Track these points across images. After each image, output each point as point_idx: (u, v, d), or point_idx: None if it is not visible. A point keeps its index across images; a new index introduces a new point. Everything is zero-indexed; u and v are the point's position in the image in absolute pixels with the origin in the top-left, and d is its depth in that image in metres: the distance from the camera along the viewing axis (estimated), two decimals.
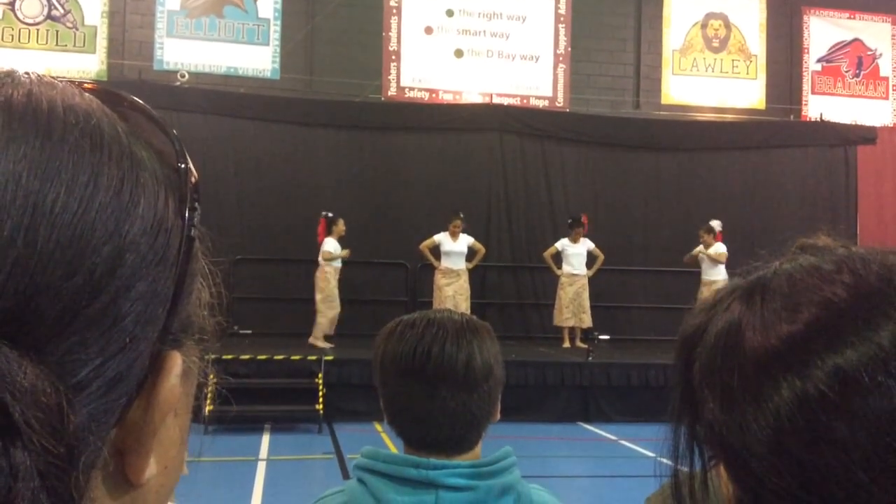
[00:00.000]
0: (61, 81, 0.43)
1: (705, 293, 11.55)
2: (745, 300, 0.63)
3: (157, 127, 0.45)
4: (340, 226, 11.15)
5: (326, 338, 11.09)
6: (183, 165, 0.44)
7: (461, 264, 11.61)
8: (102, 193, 0.38)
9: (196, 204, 0.43)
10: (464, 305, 11.33)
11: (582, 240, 11.98)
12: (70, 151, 0.38)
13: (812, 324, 0.58)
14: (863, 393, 0.55)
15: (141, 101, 0.45)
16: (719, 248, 11.81)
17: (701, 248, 11.90)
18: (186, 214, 0.42)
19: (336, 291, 11.14)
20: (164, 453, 0.43)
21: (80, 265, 0.37)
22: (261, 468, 7.79)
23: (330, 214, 11.18)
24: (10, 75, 0.41)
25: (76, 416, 0.36)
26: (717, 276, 11.54)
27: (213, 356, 0.48)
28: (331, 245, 11.11)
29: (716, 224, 11.93)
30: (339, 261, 11.17)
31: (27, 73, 0.42)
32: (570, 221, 12.15)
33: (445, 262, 11.55)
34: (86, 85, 0.44)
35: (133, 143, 0.42)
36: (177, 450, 0.44)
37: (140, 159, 0.41)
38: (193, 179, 0.44)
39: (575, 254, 11.95)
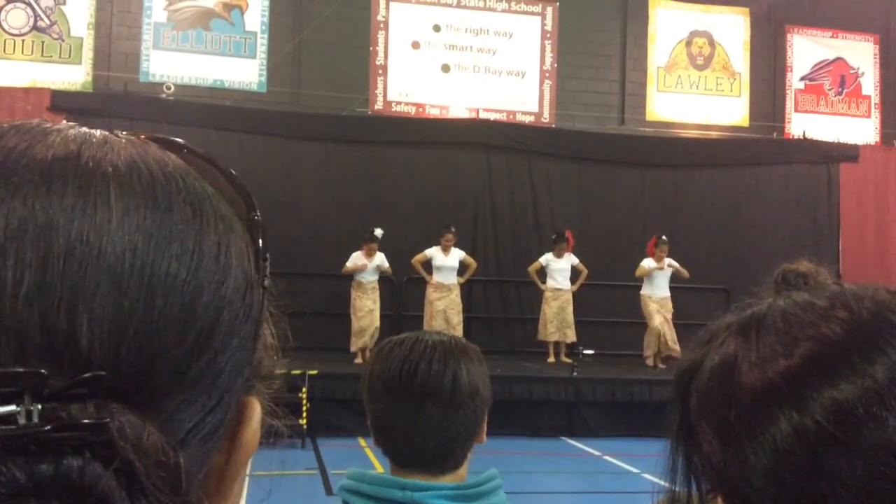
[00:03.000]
0: (142, 139, 0.44)
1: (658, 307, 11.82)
2: (740, 335, 0.64)
3: (222, 175, 0.46)
4: (371, 243, 11.17)
5: (363, 353, 10.95)
6: (256, 217, 0.46)
7: (453, 279, 11.62)
8: (206, 259, 0.41)
9: (266, 254, 0.46)
10: (455, 320, 11.36)
11: (566, 255, 12.03)
12: (177, 221, 0.41)
13: (808, 358, 0.59)
14: (859, 425, 0.56)
15: (200, 150, 0.46)
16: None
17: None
18: (261, 265, 0.45)
19: (360, 304, 11.21)
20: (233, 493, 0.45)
21: (189, 329, 0.39)
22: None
23: (375, 231, 11.22)
24: (108, 141, 0.42)
25: (186, 471, 0.37)
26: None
27: None
28: (350, 259, 11.27)
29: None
30: (366, 275, 11.24)
31: (117, 135, 0.43)
32: (553, 237, 12.21)
33: (437, 277, 11.56)
34: (143, 137, 0.45)
35: (218, 200, 0.43)
36: (239, 487, 0.46)
37: (228, 219, 0.43)
38: (263, 229, 0.46)
39: (558, 269, 12.01)
